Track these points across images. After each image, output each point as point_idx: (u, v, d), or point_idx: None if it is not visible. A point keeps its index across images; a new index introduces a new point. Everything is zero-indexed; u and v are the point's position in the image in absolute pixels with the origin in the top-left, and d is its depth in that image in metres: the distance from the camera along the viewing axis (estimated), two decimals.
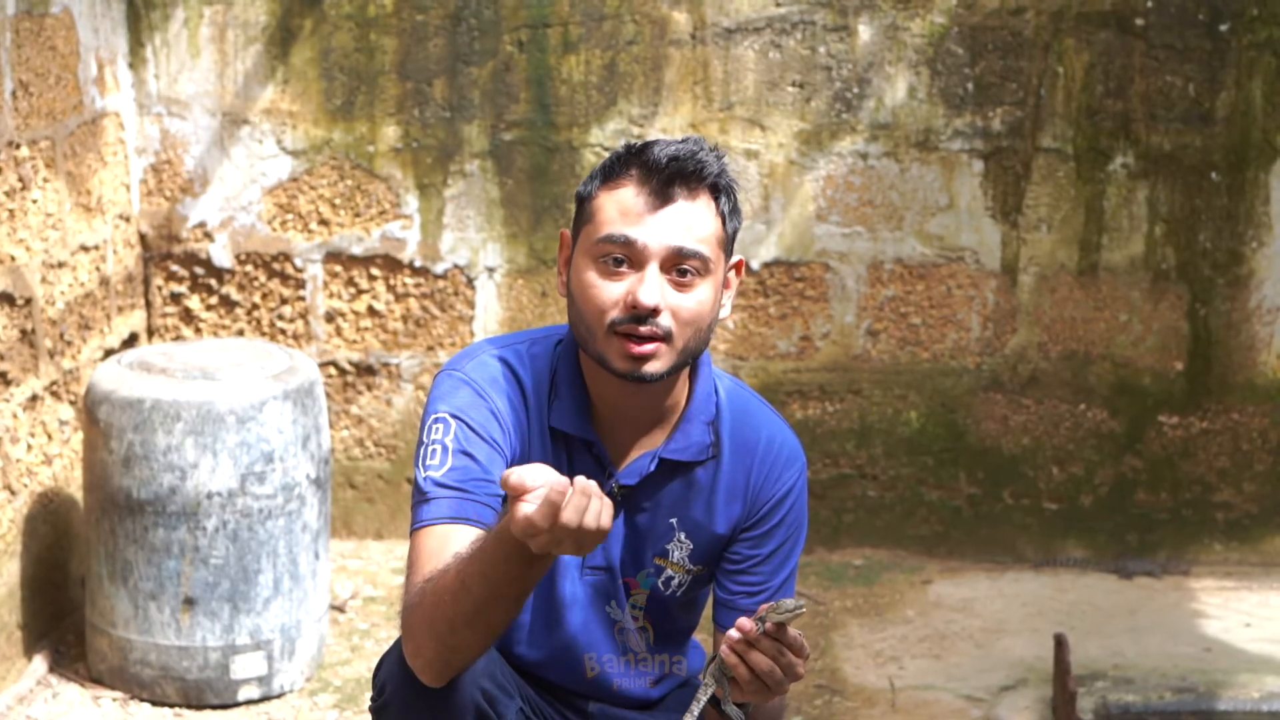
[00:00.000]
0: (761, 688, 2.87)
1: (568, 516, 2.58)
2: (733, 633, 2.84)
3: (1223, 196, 5.90)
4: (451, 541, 2.89)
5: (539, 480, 2.61)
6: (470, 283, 6.00)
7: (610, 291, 2.98)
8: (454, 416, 3.03)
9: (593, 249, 3.00)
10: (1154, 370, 6.05)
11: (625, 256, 2.97)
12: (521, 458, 3.08)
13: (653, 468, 3.14)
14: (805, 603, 2.88)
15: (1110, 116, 5.88)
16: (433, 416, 3.04)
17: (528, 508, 2.58)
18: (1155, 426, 6.08)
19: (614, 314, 2.97)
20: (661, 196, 2.98)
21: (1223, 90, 5.84)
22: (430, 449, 3.01)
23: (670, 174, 2.97)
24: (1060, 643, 4.86)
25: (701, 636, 3.50)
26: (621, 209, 2.98)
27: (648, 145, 3.01)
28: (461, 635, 2.82)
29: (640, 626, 3.26)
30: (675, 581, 3.22)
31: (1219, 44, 5.82)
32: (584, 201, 3.05)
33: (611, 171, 3.02)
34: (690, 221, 2.99)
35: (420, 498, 2.98)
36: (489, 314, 6.01)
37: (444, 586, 2.79)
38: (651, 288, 2.95)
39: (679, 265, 2.98)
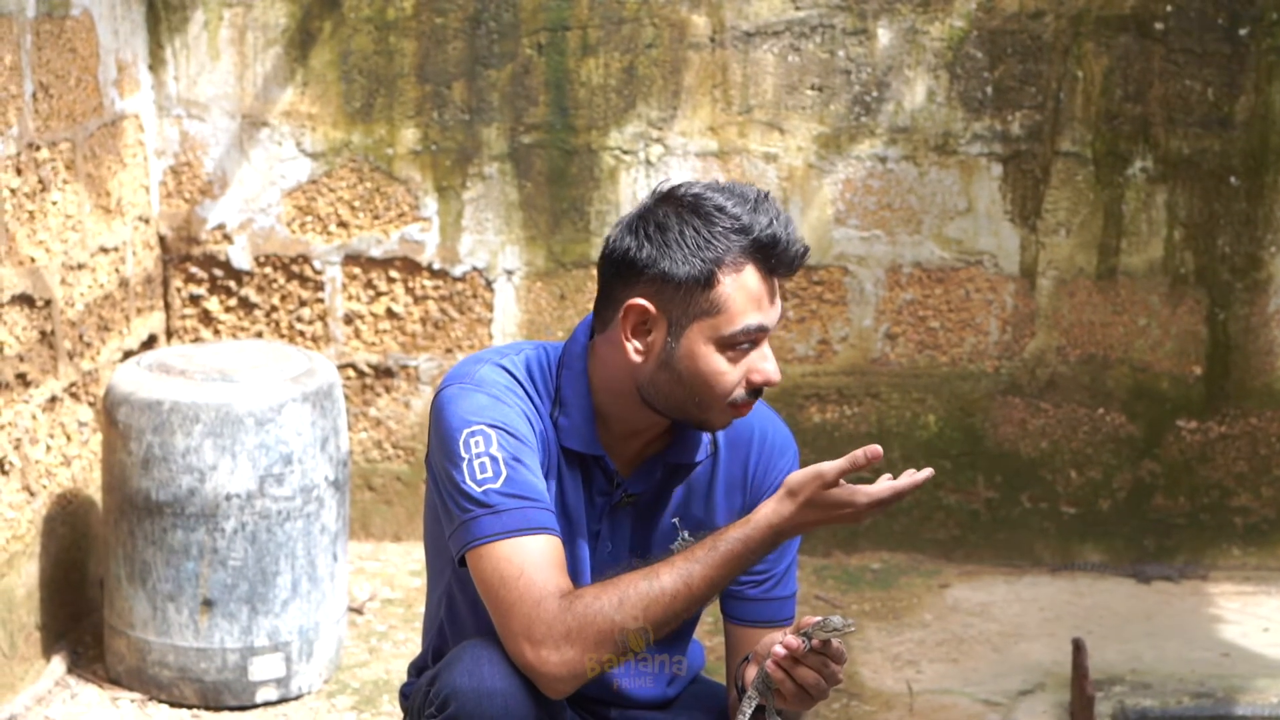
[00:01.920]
0: (805, 698, 2.92)
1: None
2: (778, 649, 2.90)
3: (1241, 201, 5.90)
4: (546, 550, 2.94)
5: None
6: (489, 285, 6.01)
7: (737, 375, 3.04)
8: (491, 426, 3.01)
9: (726, 339, 3.01)
10: (1172, 375, 6.04)
11: (754, 341, 3.04)
12: (543, 464, 3.08)
13: (658, 474, 3.16)
14: (854, 621, 2.91)
15: (1129, 120, 5.88)
16: (467, 430, 3.01)
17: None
18: (1173, 431, 6.07)
19: (739, 393, 3.05)
20: (775, 279, 3.04)
21: (1242, 94, 5.84)
22: (478, 462, 2.98)
23: (788, 260, 3.03)
24: (1078, 647, 4.86)
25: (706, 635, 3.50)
26: (752, 298, 3.01)
27: (750, 223, 3.00)
28: (632, 639, 2.91)
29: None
30: None
31: (1238, 48, 5.81)
32: (700, 285, 3.00)
33: (725, 253, 2.99)
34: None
35: (483, 510, 2.95)
36: (507, 316, 6.02)
37: (659, 590, 2.91)
38: (773, 363, 3.07)
39: None
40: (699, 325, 3.01)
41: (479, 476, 2.98)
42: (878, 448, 2.86)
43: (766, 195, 3.03)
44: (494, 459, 2.98)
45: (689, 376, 3.02)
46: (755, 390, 3.04)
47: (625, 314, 3.05)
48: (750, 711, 2.98)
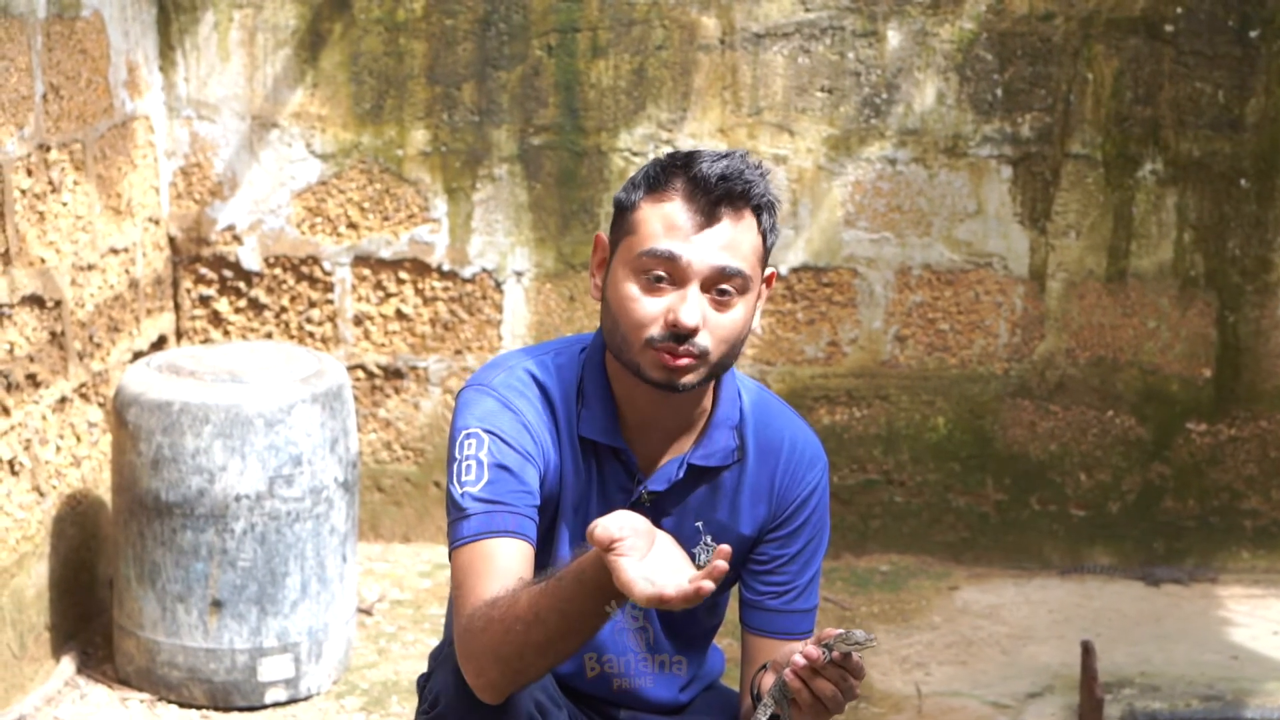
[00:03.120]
0: (821, 709, 2.89)
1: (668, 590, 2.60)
2: (798, 659, 2.84)
3: (1252, 203, 5.89)
4: (497, 556, 2.90)
5: (624, 530, 2.63)
6: (498, 286, 6.01)
7: (650, 307, 2.96)
8: (486, 431, 3.02)
9: (634, 262, 2.97)
10: (1182, 377, 6.03)
11: (667, 273, 2.95)
12: (554, 468, 3.08)
13: (681, 474, 3.14)
14: (876, 636, 2.88)
15: (1139, 123, 5.87)
16: (464, 432, 3.03)
17: (645, 587, 2.58)
18: (1183, 434, 6.07)
19: (653, 330, 2.96)
20: (708, 215, 2.96)
21: (1252, 97, 5.83)
22: (465, 464, 3.00)
23: (719, 193, 2.95)
24: (1087, 650, 4.86)
25: (726, 642, 3.50)
26: (667, 224, 2.96)
27: (694, 157, 2.98)
28: (530, 662, 2.82)
29: (640, 626, 3.27)
30: None
31: (1249, 50, 5.80)
32: (625, 210, 3.02)
33: (657, 182, 2.99)
34: (734, 240, 2.97)
35: (458, 514, 2.97)
36: (517, 318, 6.02)
37: (515, 616, 2.78)
38: (693, 308, 2.94)
39: (720, 285, 2.97)
40: (621, 249, 3.02)
41: (463, 479, 2.99)
42: (725, 548, 2.68)
43: (744, 154, 3.02)
44: (479, 463, 2.99)
45: (614, 307, 3.01)
46: (673, 334, 2.95)
47: (593, 251, 3.11)
48: (766, 719, 2.97)
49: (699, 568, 3.21)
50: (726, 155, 3.00)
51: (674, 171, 2.99)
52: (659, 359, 2.97)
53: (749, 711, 3.15)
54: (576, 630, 2.78)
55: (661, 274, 2.95)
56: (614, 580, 2.61)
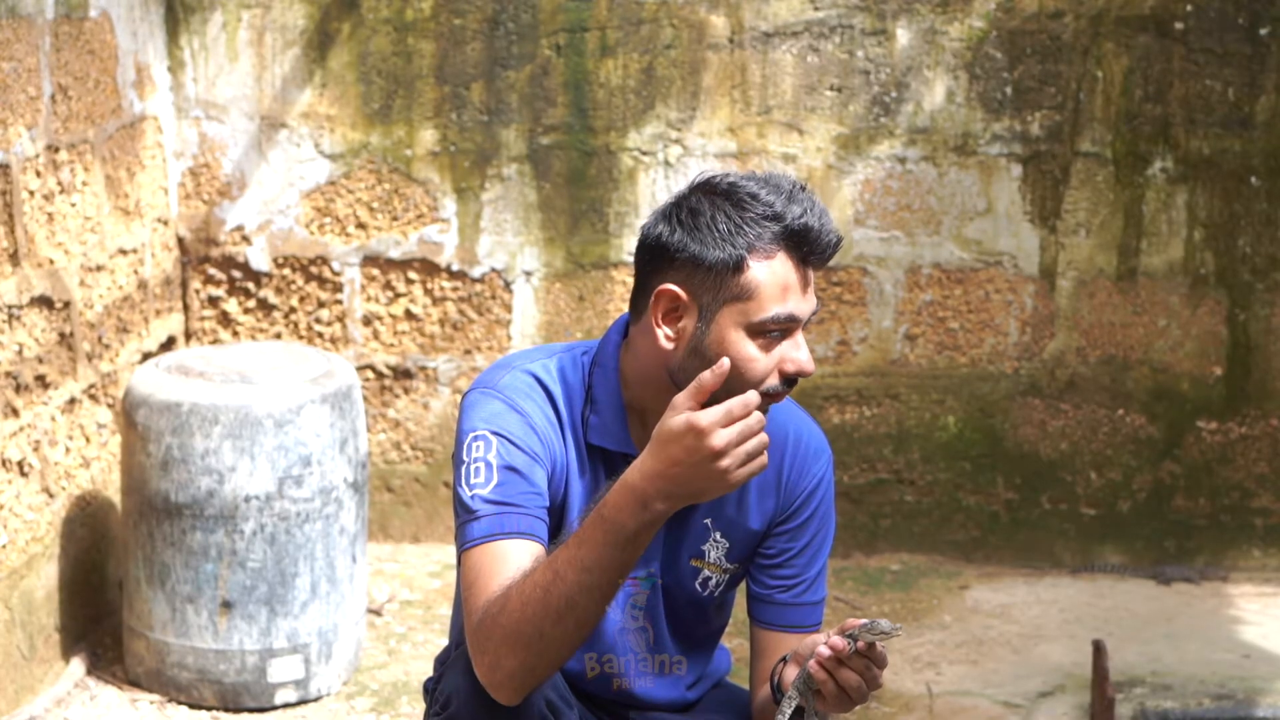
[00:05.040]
0: (845, 700, 2.90)
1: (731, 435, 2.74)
2: (823, 649, 2.86)
3: (1262, 201, 5.88)
4: (509, 557, 2.90)
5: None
6: (507, 286, 6.00)
7: (769, 363, 3.00)
8: (494, 433, 3.02)
9: (755, 325, 2.98)
10: (1193, 376, 6.02)
11: (785, 330, 3.00)
12: (561, 470, 3.08)
13: None
14: (901, 626, 2.88)
15: (1149, 121, 5.86)
16: (471, 435, 3.03)
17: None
18: (1194, 432, 6.06)
19: (771, 383, 3.00)
20: (809, 267, 3.01)
21: (1262, 94, 5.82)
22: (474, 467, 3.00)
23: (820, 248, 3.00)
24: (1098, 649, 4.85)
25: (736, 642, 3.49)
26: (783, 286, 2.98)
27: (783, 212, 2.99)
28: (549, 637, 2.81)
29: (640, 626, 3.26)
30: (713, 582, 3.23)
31: (1259, 48, 5.79)
32: (730, 270, 2.98)
33: (758, 239, 2.98)
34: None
35: (468, 516, 2.96)
36: (526, 318, 6.02)
37: (532, 584, 2.80)
38: (807, 353, 3.02)
39: None
40: (729, 311, 3.00)
41: (472, 481, 2.99)
42: (725, 362, 2.77)
43: (803, 186, 3.02)
44: (488, 464, 2.99)
45: (735, 367, 3.00)
46: (789, 380, 3.01)
47: (656, 299, 3.04)
48: (790, 712, 2.97)
49: (709, 563, 3.22)
50: (799, 198, 3.01)
51: (764, 223, 2.98)
52: (771, 401, 3.03)
53: (763, 705, 3.15)
54: (594, 585, 2.78)
55: (779, 332, 2.99)
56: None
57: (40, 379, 4.89)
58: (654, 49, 5.87)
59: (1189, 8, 5.78)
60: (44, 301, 4.89)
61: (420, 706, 4.87)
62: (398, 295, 6.02)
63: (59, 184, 4.97)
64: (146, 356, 5.63)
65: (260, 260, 6.02)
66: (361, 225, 5.98)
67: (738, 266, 2.97)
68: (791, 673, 3.01)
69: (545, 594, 2.78)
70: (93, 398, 5.24)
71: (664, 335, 3.05)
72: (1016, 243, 5.95)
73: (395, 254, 6.00)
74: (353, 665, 5.14)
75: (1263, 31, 5.78)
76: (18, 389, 4.75)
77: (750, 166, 5.88)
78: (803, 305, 2.99)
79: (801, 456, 3.24)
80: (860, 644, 2.84)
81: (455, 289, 6.01)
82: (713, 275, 2.99)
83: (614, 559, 2.78)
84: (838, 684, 2.88)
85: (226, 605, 4.87)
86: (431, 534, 6.16)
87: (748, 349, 2.99)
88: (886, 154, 5.91)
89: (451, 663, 3.08)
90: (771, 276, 2.97)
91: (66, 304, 5.03)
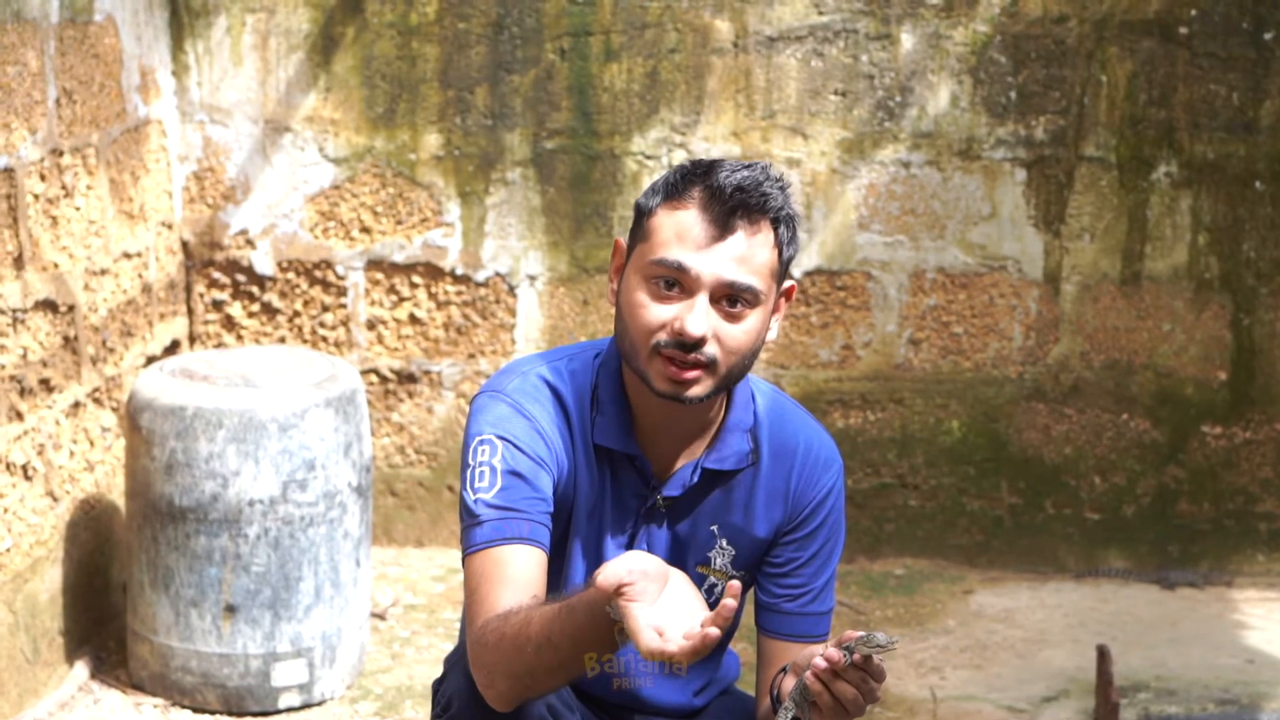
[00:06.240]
0: (842, 712, 2.87)
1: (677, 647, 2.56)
2: (819, 661, 2.82)
3: (1266, 206, 5.88)
4: (511, 563, 2.90)
5: (633, 574, 2.59)
6: (512, 290, 6.00)
7: (659, 313, 2.95)
8: (500, 437, 3.01)
9: (646, 268, 2.97)
10: (1197, 380, 6.02)
11: (677, 281, 2.95)
12: (568, 474, 3.07)
13: (695, 479, 3.13)
14: (899, 639, 2.86)
15: (1153, 125, 5.86)
16: (477, 439, 3.03)
17: (650, 639, 2.55)
18: (1198, 437, 6.05)
19: (660, 336, 2.95)
20: (722, 226, 2.95)
21: (1267, 99, 5.82)
22: (478, 471, 2.99)
23: (734, 205, 2.94)
24: (1102, 654, 4.85)
25: (741, 646, 3.49)
26: (680, 232, 2.95)
27: (715, 167, 2.97)
28: (540, 680, 2.82)
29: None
30: (719, 589, 3.22)
31: (1263, 52, 5.79)
32: (643, 215, 3.02)
33: (675, 189, 2.98)
34: (747, 254, 2.96)
35: (471, 521, 2.96)
36: (530, 322, 6.02)
37: (526, 637, 2.77)
38: (699, 318, 2.93)
39: (730, 296, 2.96)
40: (635, 255, 3.02)
41: (476, 485, 2.99)
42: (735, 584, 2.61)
43: (766, 166, 3.01)
44: (492, 469, 2.99)
45: (625, 312, 3.01)
46: (679, 342, 2.95)
47: (612, 255, 3.11)
48: None
49: (715, 570, 3.21)
50: (748, 166, 2.98)
51: (693, 180, 2.98)
52: (666, 369, 2.97)
53: (768, 714, 3.14)
54: (587, 655, 2.77)
55: (672, 281, 2.95)
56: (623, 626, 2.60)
57: (44, 383, 4.89)
58: (658, 53, 5.87)
59: (1193, 12, 5.78)
60: (48, 305, 4.89)
61: (425, 710, 4.88)
62: (402, 299, 6.02)
63: (63, 188, 4.97)
64: (151, 360, 5.63)
65: (264, 264, 6.02)
66: (366, 229, 5.98)
67: (650, 212, 3.01)
68: (790, 683, 3.00)
69: (539, 652, 2.77)
70: (97, 401, 5.24)
71: (610, 290, 3.09)
72: (1021, 247, 5.94)
73: (399, 258, 6.00)
74: (356, 669, 5.14)
75: (1267, 36, 5.78)
76: (22, 392, 4.75)
77: None
78: (700, 259, 2.94)
79: (811, 466, 3.21)
80: (856, 656, 2.81)
81: (459, 293, 6.01)
82: (636, 221, 3.04)
83: (608, 639, 2.71)
84: (833, 696, 2.84)
85: (230, 609, 4.87)
86: (435, 538, 6.16)
87: (639, 295, 2.99)
88: (891, 158, 5.91)
89: (455, 664, 3.09)
90: (672, 223, 2.97)
91: (71, 308, 5.03)
